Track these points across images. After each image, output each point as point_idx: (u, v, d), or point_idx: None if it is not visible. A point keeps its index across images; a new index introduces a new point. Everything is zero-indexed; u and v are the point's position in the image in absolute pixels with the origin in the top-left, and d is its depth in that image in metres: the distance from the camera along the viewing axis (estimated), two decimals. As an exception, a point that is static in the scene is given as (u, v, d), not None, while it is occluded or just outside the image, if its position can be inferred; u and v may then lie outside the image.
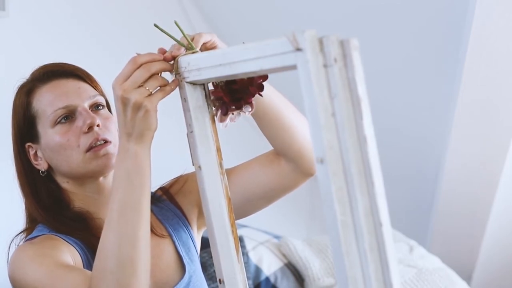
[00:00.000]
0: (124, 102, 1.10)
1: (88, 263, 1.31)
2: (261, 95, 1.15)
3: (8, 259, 1.35)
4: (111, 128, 1.37)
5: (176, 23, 1.14)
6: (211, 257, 1.17)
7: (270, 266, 2.33)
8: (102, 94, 1.41)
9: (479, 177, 2.56)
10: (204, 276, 1.49)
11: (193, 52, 1.13)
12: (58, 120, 1.35)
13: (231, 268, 1.15)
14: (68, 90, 1.36)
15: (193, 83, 1.13)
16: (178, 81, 1.13)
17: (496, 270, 2.80)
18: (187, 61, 1.11)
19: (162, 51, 1.14)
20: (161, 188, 1.48)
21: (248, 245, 2.33)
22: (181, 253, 1.39)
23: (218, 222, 1.15)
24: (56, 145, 1.35)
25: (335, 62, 0.89)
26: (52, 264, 1.22)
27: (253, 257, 2.31)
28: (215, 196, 1.15)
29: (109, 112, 1.40)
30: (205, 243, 1.45)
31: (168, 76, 1.15)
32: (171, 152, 2.02)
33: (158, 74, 1.12)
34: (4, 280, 1.38)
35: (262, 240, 2.40)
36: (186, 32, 1.15)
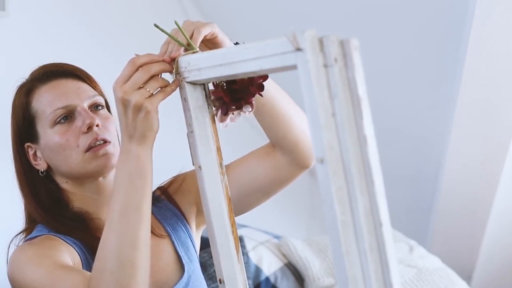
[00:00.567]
0: (124, 104, 1.10)
1: (87, 263, 1.30)
2: (261, 95, 1.15)
3: (7, 259, 1.35)
4: (110, 128, 1.37)
5: (176, 23, 1.14)
6: (211, 257, 1.17)
7: (270, 266, 2.33)
8: (102, 94, 1.41)
9: (479, 177, 2.56)
10: (204, 276, 1.49)
11: (193, 52, 1.13)
12: (58, 120, 1.35)
13: (231, 268, 1.15)
14: (67, 90, 1.36)
15: (193, 83, 1.13)
16: (179, 82, 1.13)
17: (496, 270, 2.80)
18: (187, 61, 1.11)
19: (163, 53, 1.14)
20: (159, 188, 1.48)
21: (248, 245, 2.33)
22: (180, 252, 1.39)
23: (218, 222, 1.15)
24: (55, 145, 1.34)
25: (335, 62, 0.89)
26: (52, 264, 1.22)
27: (253, 257, 2.31)
28: (215, 196, 1.15)
29: (108, 112, 1.40)
30: (205, 243, 1.45)
31: (168, 76, 1.15)
32: (171, 152, 2.02)
33: (158, 75, 1.12)
34: (3, 280, 1.38)
35: (262, 240, 2.40)
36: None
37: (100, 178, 1.37)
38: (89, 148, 1.33)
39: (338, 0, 2.37)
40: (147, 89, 1.10)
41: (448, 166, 2.55)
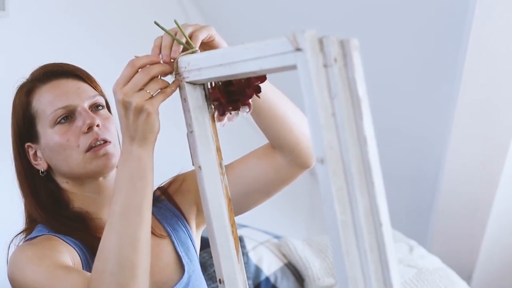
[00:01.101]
0: (125, 106, 1.10)
1: (87, 263, 1.30)
2: (258, 97, 1.15)
3: (7, 259, 1.35)
4: (110, 128, 1.37)
5: (176, 22, 1.14)
6: (211, 257, 1.17)
7: (270, 266, 2.33)
8: (102, 94, 1.41)
9: (479, 177, 2.56)
10: (204, 276, 1.49)
11: (192, 52, 1.13)
12: (58, 120, 1.35)
13: (231, 268, 1.15)
14: (67, 90, 1.36)
15: (193, 83, 1.13)
16: (179, 82, 1.13)
17: (496, 270, 2.80)
18: (187, 61, 1.11)
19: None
20: (159, 188, 1.48)
21: (248, 245, 2.33)
22: (180, 253, 1.39)
23: (218, 222, 1.15)
24: (55, 145, 1.34)
25: (335, 62, 0.89)
26: (52, 265, 1.22)
27: (253, 257, 2.31)
28: (215, 196, 1.15)
29: (108, 112, 1.41)
30: (205, 243, 1.45)
31: (167, 77, 1.14)
32: (171, 152, 2.02)
33: (158, 76, 1.12)
34: (3, 280, 1.38)
35: (262, 240, 2.40)
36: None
37: (101, 178, 1.37)
38: (89, 148, 1.33)
39: (338, 0, 2.37)
40: (147, 91, 1.10)
41: (448, 166, 2.55)
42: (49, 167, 1.38)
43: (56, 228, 1.34)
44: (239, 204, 1.37)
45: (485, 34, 2.14)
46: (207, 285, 1.46)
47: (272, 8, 2.58)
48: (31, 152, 1.39)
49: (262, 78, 1.12)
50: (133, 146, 1.12)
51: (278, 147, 1.34)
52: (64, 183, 1.39)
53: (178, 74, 1.13)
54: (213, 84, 1.15)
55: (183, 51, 1.14)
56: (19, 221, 1.42)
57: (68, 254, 1.28)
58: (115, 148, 1.35)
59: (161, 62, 1.13)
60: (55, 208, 1.37)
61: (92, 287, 1.12)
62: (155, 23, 1.14)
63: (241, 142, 2.54)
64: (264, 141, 1.38)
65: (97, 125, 1.34)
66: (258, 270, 2.30)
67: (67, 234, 1.32)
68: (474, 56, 2.19)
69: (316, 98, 0.90)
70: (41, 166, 1.38)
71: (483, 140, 2.45)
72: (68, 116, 1.35)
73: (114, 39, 2.39)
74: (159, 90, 1.12)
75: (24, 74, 1.43)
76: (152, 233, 1.35)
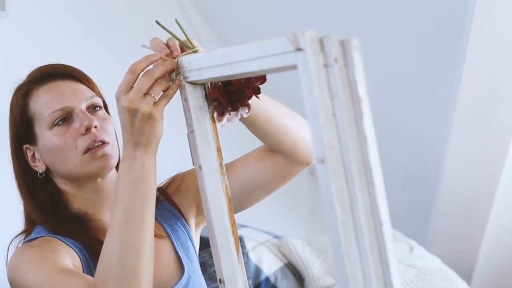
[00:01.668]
0: (132, 113, 1.09)
1: (87, 264, 1.30)
2: (258, 98, 1.15)
3: (7, 260, 1.35)
4: (108, 129, 1.36)
5: (177, 21, 1.14)
6: (211, 257, 1.17)
7: (270, 266, 2.33)
8: (99, 95, 1.40)
9: (479, 177, 2.56)
10: (204, 276, 1.48)
11: (192, 51, 1.13)
12: (55, 122, 1.34)
13: (231, 268, 1.15)
14: (65, 92, 1.36)
15: (194, 83, 1.13)
16: (179, 83, 1.13)
17: (496, 270, 2.80)
18: (187, 61, 1.11)
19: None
20: (158, 188, 1.47)
21: (248, 245, 2.33)
22: (179, 253, 1.39)
23: (219, 222, 1.15)
24: (53, 147, 1.34)
25: (336, 62, 0.89)
26: (52, 268, 1.21)
27: (253, 257, 2.31)
28: (215, 196, 1.15)
29: (106, 113, 1.40)
30: (205, 243, 1.45)
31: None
32: (171, 152, 2.02)
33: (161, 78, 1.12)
34: (3, 280, 1.38)
35: (262, 240, 2.40)
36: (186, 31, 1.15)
37: (99, 179, 1.37)
38: (87, 150, 1.33)
39: (338, 0, 2.37)
40: (152, 95, 1.10)
41: (448, 166, 2.55)
42: (47, 168, 1.38)
43: (55, 229, 1.33)
44: (240, 202, 1.37)
45: (485, 34, 2.14)
46: (207, 285, 1.46)
47: (272, 8, 2.58)
48: (29, 154, 1.38)
49: (262, 79, 1.12)
50: (137, 152, 1.12)
51: (276, 151, 1.35)
52: (62, 185, 1.38)
53: (178, 74, 1.13)
54: (213, 84, 1.15)
55: (183, 51, 1.14)
56: (18, 223, 1.42)
57: (68, 255, 1.27)
58: (113, 149, 1.35)
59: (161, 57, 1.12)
60: (53, 210, 1.37)
61: (96, 293, 1.12)
62: (157, 22, 1.14)
63: (241, 142, 2.54)
64: (265, 141, 1.38)
65: (95, 127, 1.33)
66: (258, 270, 2.30)
67: (66, 235, 1.32)
68: (474, 56, 2.19)
69: (317, 98, 0.90)
70: (40, 167, 1.38)
71: (483, 140, 2.45)
72: (65, 117, 1.34)
73: (114, 39, 2.39)
74: (162, 92, 1.11)
75: (24, 74, 1.42)
76: (152, 233, 1.35)
